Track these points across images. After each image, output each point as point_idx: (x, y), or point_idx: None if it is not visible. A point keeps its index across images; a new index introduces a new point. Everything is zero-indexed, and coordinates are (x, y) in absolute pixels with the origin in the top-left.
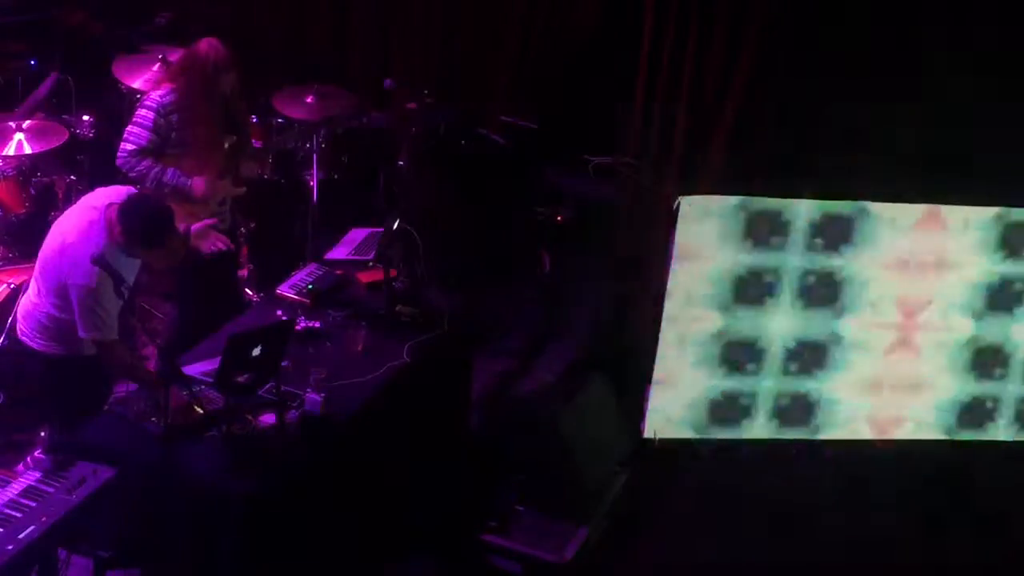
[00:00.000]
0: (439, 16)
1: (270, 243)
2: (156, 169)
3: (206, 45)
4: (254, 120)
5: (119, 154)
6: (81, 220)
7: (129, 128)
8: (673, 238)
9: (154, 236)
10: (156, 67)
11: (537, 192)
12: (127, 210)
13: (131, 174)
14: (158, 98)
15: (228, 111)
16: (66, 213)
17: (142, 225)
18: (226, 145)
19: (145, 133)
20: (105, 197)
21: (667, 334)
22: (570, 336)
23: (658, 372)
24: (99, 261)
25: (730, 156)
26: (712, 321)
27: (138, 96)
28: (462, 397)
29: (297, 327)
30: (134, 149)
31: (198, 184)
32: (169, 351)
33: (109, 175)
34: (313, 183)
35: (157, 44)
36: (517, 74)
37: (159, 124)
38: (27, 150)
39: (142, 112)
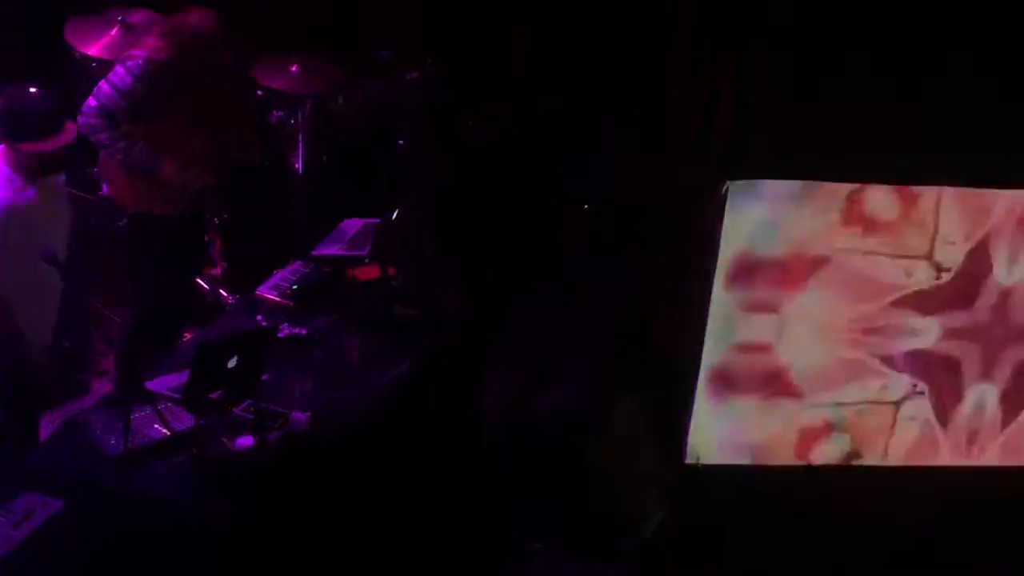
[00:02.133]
0: None
1: (247, 236)
2: (123, 141)
3: (197, 14)
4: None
5: (82, 112)
6: None
7: (100, 85)
8: (720, 229)
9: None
10: (115, 31)
11: (562, 182)
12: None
13: (92, 139)
14: (138, 62)
15: (214, 85)
16: None
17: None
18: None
19: (115, 95)
20: None
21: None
22: (599, 344)
23: (702, 386)
24: None
25: (789, 131)
26: None
27: (94, 65)
28: (472, 416)
29: (279, 334)
30: (99, 107)
31: (166, 166)
32: (129, 361)
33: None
34: (298, 165)
35: (114, 6)
36: (536, 44)
37: (136, 91)
38: None
39: (121, 72)
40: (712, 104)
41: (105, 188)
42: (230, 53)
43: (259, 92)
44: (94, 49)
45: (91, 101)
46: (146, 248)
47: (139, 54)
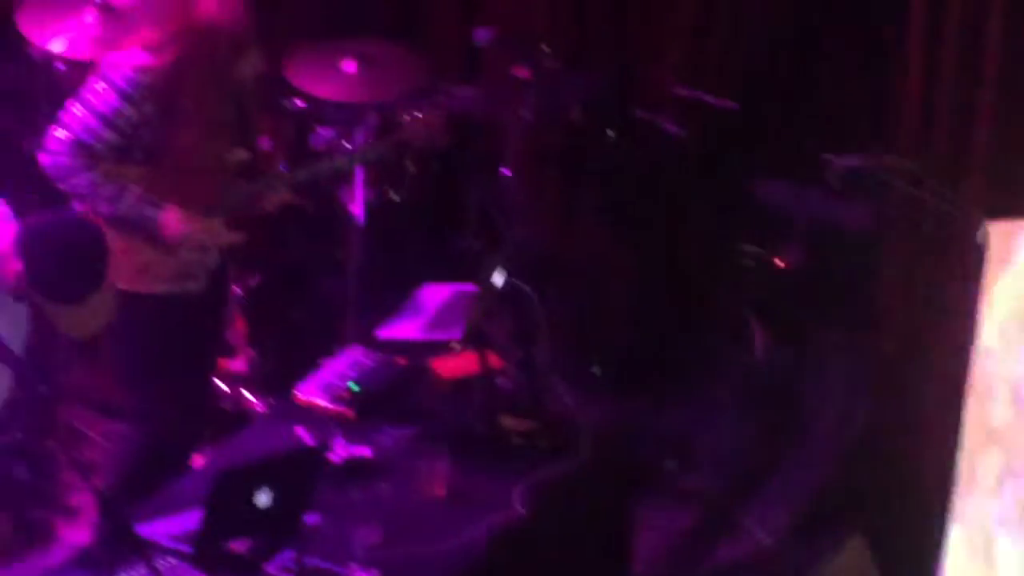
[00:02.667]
0: None
1: (285, 313)
2: (109, 186)
3: (215, 3)
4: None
5: (48, 148)
6: None
7: (71, 107)
8: (979, 288)
9: (76, 283)
10: (90, 17)
11: (740, 218)
12: (35, 233)
13: (62, 185)
14: (129, 71)
15: (240, 108)
16: None
17: (58, 262)
18: (232, 162)
19: (97, 124)
20: None
21: (975, 452)
22: (802, 463)
23: (959, 518)
24: None
25: None
26: None
27: (61, 68)
28: (618, 570)
29: (331, 456)
30: (74, 143)
31: (172, 220)
32: (115, 500)
33: (16, 199)
34: (357, 209)
35: None
36: (704, 21)
37: (127, 116)
38: None
39: (99, 88)
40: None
41: None
42: (257, 54)
43: (297, 103)
44: (59, 43)
45: (59, 133)
46: (140, 336)
47: (128, 57)
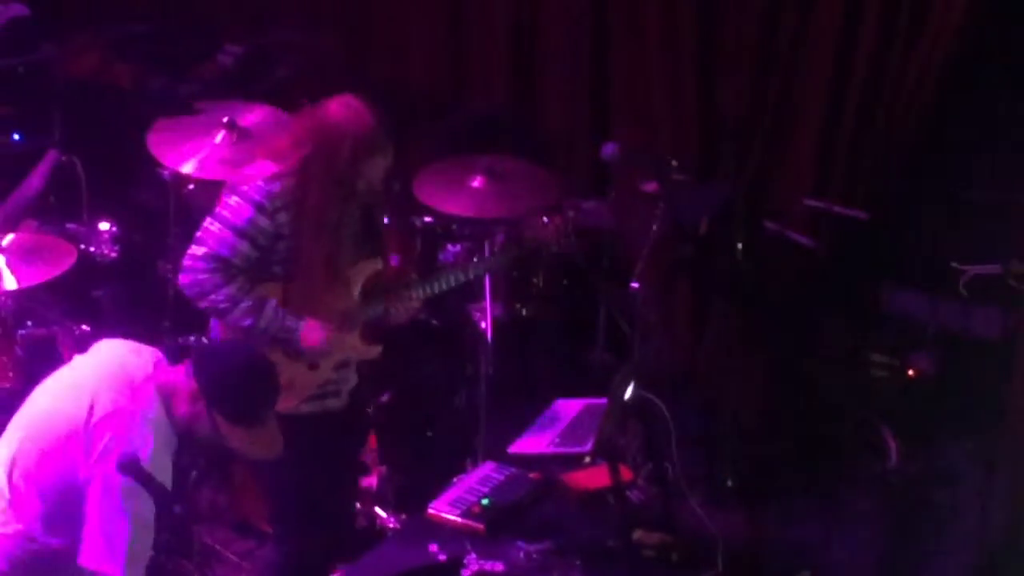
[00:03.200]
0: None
1: (416, 428)
2: (247, 300)
3: (341, 108)
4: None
5: (185, 267)
6: (105, 386)
7: (207, 224)
8: None
9: (258, 403)
10: (219, 138)
11: (872, 327)
12: (212, 362)
13: (202, 303)
14: (261, 182)
15: (370, 217)
16: (51, 385)
17: (244, 384)
18: (364, 273)
19: (233, 237)
20: (129, 354)
21: None
22: (942, 571)
23: None
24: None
25: None
26: None
27: (190, 187)
28: None
29: (465, 572)
30: (210, 257)
31: (311, 332)
32: None
33: (151, 325)
34: (486, 325)
35: (218, 99)
36: (832, 130)
37: (261, 227)
38: (9, 284)
39: (232, 202)
40: None
41: None
42: (387, 159)
43: (426, 219)
44: (191, 164)
45: (195, 250)
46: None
47: (258, 169)
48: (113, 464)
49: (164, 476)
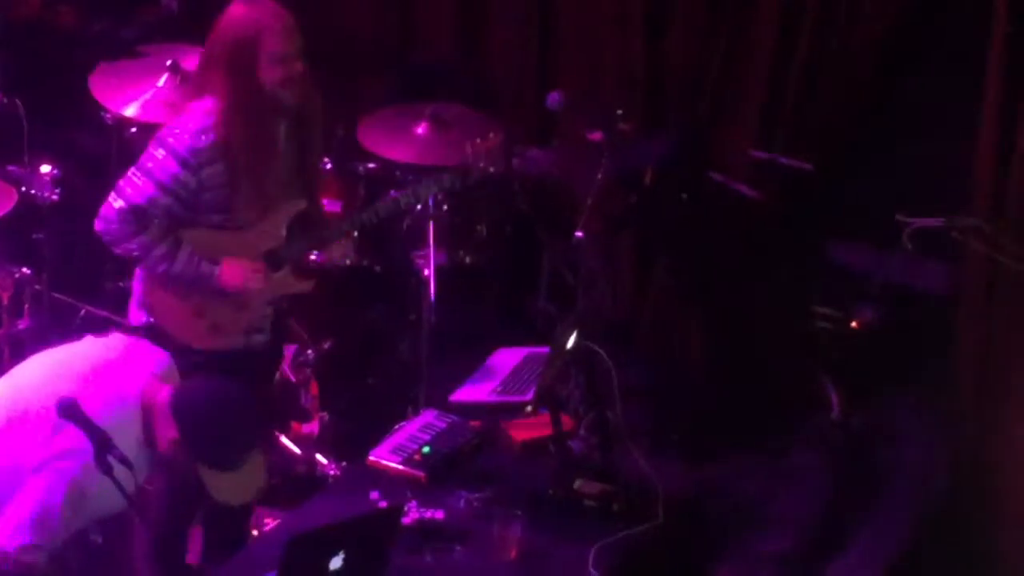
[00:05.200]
0: None
1: (356, 376)
2: (161, 247)
3: (245, 9)
4: (327, 166)
5: (101, 215)
6: (92, 391)
7: (130, 174)
8: None
9: (232, 448)
10: (163, 80)
11: (815, 279)
12: (190, 399)
13: (117, 250)
14: (189, 138)
15: (302, 155)
16: (23, 371)
17: (214, 427)
18: (291, 212)
19: (155, 190)
20: (133, 365)
21: None
22: (880, 528)
23: None
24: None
25: None
26: None
27: (133, 130)
28: None
29: (404, 520)
30: (127, 210)
31: (229, 272)
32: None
33: (91, 268)
34: (428, 272)
35: (162, 42)
36: (780, 82)
37: (185, 183)
38: None
39: (158, 155)
40: None
41: (138, 318)
42: (306, 78)
43: (369, 165)
44: (133, 108)
45: (114, 202)
46: None
47: (187, 123)
48: (72, 464)
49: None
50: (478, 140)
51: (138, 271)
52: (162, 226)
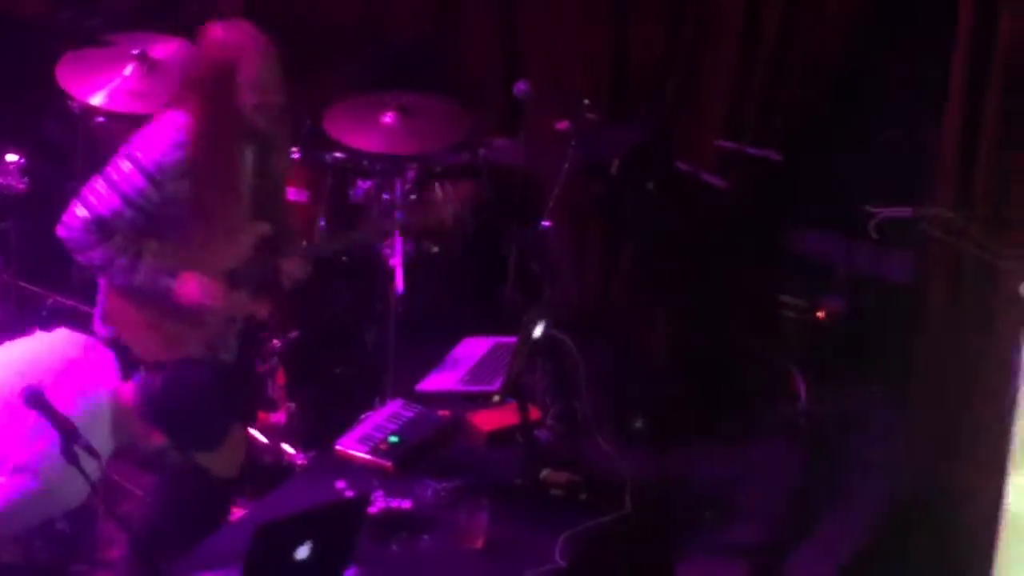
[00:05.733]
0: None
1: (323, 366)
2: (123, 259)
3: (225, 33)
4: (295, 155)
5: (65, 223)
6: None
7: (95, 183)
8: (1022, 340)
9: (212, 428)
10: (129, 70)
11: (782, 270)
12: (159, 395)
13: (78, 257)
14: (158, 155)
15: (264, 166)
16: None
17: (190, 415)
18: (255, 232)
19: (119, 203)
20: (93, 353)
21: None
22: (846, 515)
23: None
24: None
25: None
26: None
27: (99, 119)
28: None
29: (371, 509)
30: (91, 221)
31: (186, 288)
32: (148, 549)
33: (58, 258)
34: (396, 262)
35: (129, 31)
36: (746, 73)
37: (151, 198)
38: None
39: (124, 168)
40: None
41: (102, 330)
42: (280, 94)
43: (337, 155)
44: (100, 96)
45: (79, 211)
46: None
47: (156, 136)
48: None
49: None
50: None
51: (101, 281)
52: (126, 238)
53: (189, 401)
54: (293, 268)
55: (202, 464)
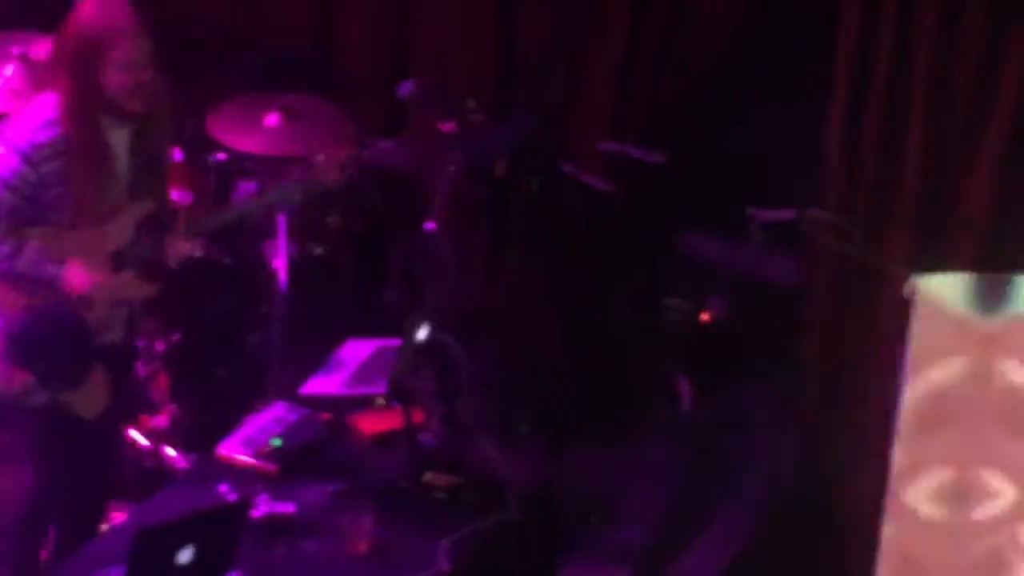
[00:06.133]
0: None
1: (206, 369)
2: (5, 246)
3: (95, 9)
4: (177, 158)
5: None
6: None
7: None
8: (907, 343)
9: (75, 366)
10: (10, 71)
11: (666, 272)
12: (23, 335)
13: None
14: (30, 133)
15: (143, 146)
16: None
17: (54, 353)
18: (139, 212)
19: None
20: None
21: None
22: (730, 516)
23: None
24: None
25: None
26: None
27: None
28: None
29: (254, 513)
30: None
31: (73, 274)
32: (23, 557)
33: None
34: (280, 264)
35: (10, 30)
36: (630, 74)
37: (28, 179)
38: None
39: (0, 152)
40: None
41: None
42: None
43: (219, 156)
44: None
45: None
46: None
47: (29, 119)
48: None
49: None
50: (328, 152)
51: None
52: (7, 225)
53: (52, 335)
54: (181, 247)
55: (65, 402)
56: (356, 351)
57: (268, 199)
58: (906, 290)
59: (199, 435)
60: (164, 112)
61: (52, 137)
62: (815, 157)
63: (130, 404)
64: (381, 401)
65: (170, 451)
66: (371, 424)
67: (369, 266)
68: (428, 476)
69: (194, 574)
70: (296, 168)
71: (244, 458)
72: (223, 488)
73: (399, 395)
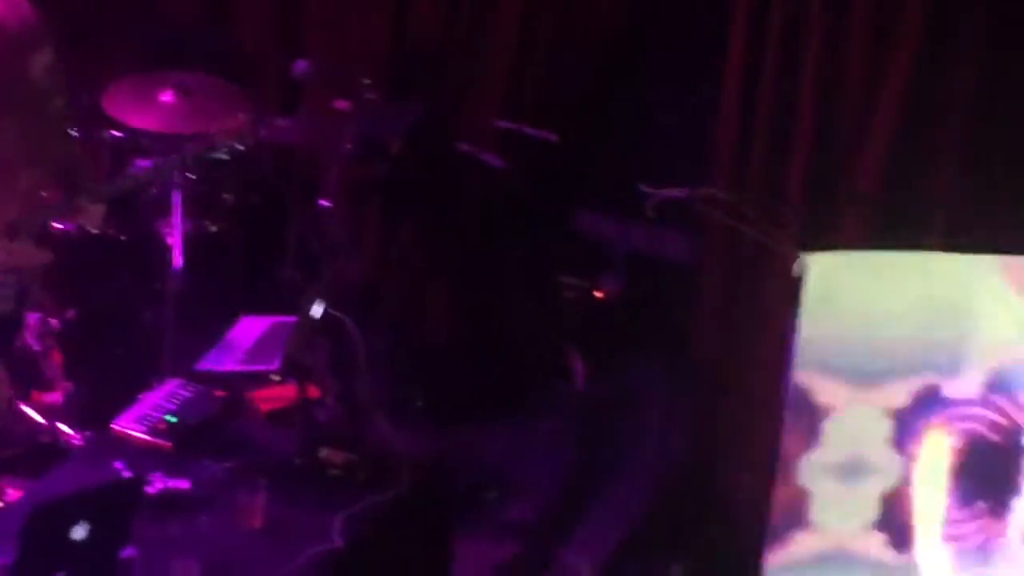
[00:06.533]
0: None
1: (101, 345)
2: None
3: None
4: (74, 135)
5: None
6: None
7: None
8: (797, 319)
9: None
10: None
11: (560, 249)
12: None
13: None
14: None
15: (40, 119)
16: None
17: None
18: (34, 180)
19: None
20: None
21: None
22: (622, 492)
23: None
24: None
25: (886, 188)
26: None
27: None
28: None
29: (149, 489)
30: None
31: None
32: None
33: None
34: (174, 241)
35: None
36: (524, 53)
37: None
38: None
39: None
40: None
41: None
42: (51, 54)
43: (114, 133)
44: None
45: None
46: None
47: None
48: None
49: None
50: (223, 122)
51: None
52: None
53: None
54: (88, 214)
55: None
56: (251, 328)
57: (165, 166)
58: (795, 268)
59: (94, 412)
60: (59, 82)
61: None
62: (707, 136)
63: (21, 379)
64: (276, 378)
65: (64, 428)
66: (266, 400)
67: (264, 243)
68: (323, 452)
69: (88, 550)
70: (192, 144)
71: (139, 435)
72: (118, 465)
73: (294, 372)
